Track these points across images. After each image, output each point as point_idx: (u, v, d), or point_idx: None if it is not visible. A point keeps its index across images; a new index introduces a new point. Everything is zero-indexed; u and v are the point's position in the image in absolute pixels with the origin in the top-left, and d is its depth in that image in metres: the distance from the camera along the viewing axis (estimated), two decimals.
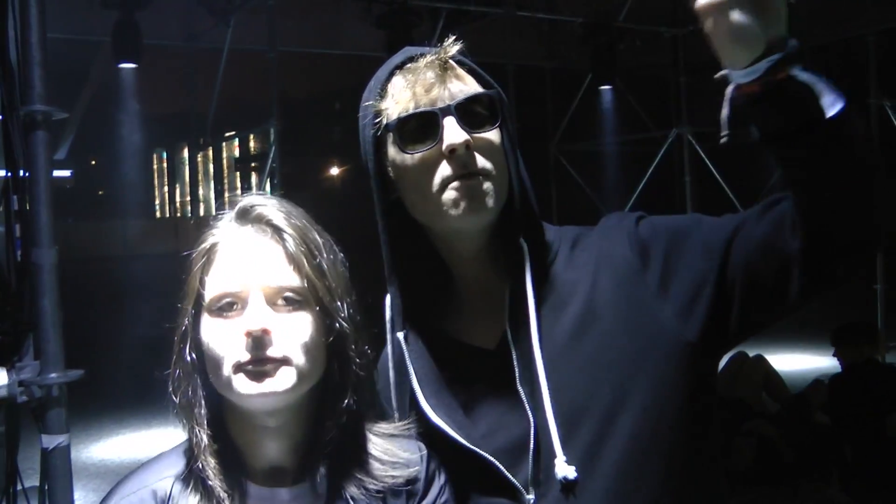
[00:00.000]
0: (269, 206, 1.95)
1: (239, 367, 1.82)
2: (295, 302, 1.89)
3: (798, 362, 13.48)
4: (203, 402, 1.91)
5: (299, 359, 1.86)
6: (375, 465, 2.00)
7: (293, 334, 1.86)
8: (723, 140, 1.81)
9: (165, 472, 1.93)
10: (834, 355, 8.65)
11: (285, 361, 1.84)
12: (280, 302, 1.88)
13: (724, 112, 1.76)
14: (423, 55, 2.05)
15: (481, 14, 13.83)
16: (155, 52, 14.68)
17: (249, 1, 12.94)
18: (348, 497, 1.94)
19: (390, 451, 2.03)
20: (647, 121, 17.79)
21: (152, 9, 12.19)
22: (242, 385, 1.82)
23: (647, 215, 2.13)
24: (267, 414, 1.88)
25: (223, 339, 1.85)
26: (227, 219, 1.95)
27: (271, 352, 1.83)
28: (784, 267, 1.85)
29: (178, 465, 1.94)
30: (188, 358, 1.91)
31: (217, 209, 2.01)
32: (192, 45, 14.63)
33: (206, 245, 1.92)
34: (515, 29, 15.04)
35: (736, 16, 1.61)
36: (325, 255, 1.95)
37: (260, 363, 1.82)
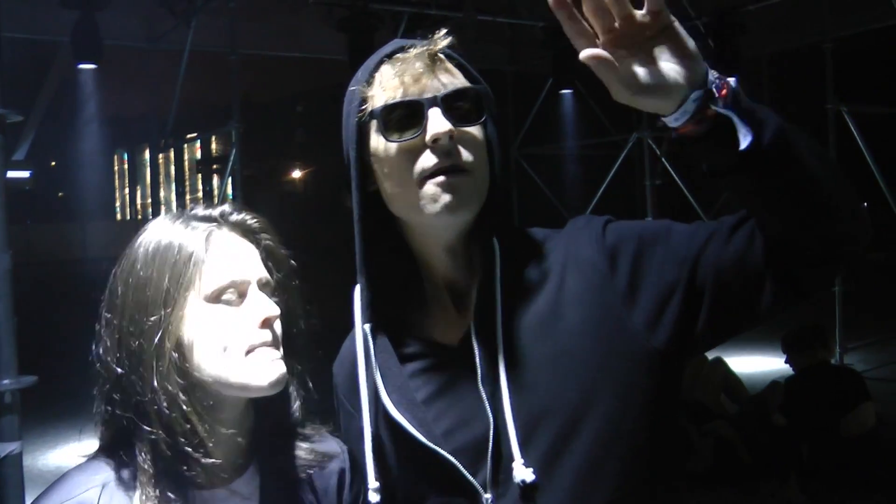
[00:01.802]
0: (240, 212, 2.08)
1: (250, 351, 1.93)
2: (274, 294, 2.04)
3: (757, 364, 13.53)
4: (186, 394, 1.92)
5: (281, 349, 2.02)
6: (304, 459, 2.12)
7: (279, 326, 2.01)
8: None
9: (90, 483, 1.93)
10: (786, 362, 8.71)
11: (279, 347, 2.00)
12: (266, 293, 2.01)
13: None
14: (413, 46, 2.04)
15: (442, 18, 13.80)
16: (115, 53, 14.57)
17: (210, 2, 12.89)
18: (280, 487, 2.06)
19: (316, 447, 2.16)
20: (608, 125, 17.83)
21: (112, 9, 12.13)
22: (256, 370, 1.94)
23: (615, 219, 2.13)
24: (234, 405, 2.00)
25: (231, 323, 1.94)
26: (205, 224, 2.02)
27: (276, 337, 1.98)
28: (754, 280, 1.88)
29: (103, 473, 1.95)
30: (173, 354, 1.91)
31: (151, 226, 2.06)
32: (153, 46, 14.56)
33: (198, 242, 1.97)
34: (476, 33, 15.04)
35: (638, 67, 1.66)
36: (286, 259, 2.12)
37: (273, 346, 1.96)
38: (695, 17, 14.44)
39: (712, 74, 1.70)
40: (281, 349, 1.98)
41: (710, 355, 9.50)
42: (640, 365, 1.98)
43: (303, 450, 2.14)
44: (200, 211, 2.05)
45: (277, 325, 1.99)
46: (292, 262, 2.13)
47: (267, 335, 1.95)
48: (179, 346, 1.92)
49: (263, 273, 2.01)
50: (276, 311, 1.97)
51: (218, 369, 1.93)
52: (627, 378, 1.97)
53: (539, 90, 16.96)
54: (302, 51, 15.92)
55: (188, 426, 1.90)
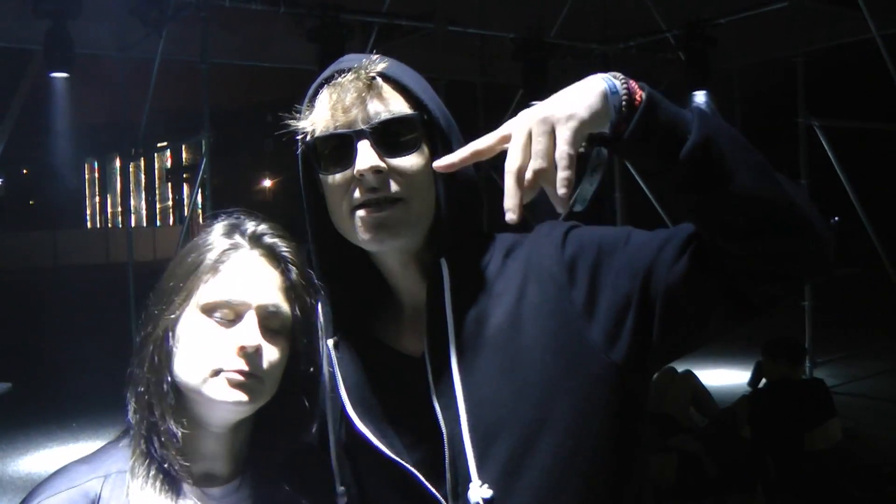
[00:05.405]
0: (279, 236, 2.09)
1: (218, 373, 1.93)
2: (278, 332, 2.03)
3: (726, 377, 13.54)
4: (172, 393, 1.98)
5: (270, 381, 2.00)
6: (300, 476, 2.11)
7: (273, 358, 1.99)
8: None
9: (93, 473, 1.97)
10: (757, 363, 8.73)
11: (260, 380, 1.97)
12: (266, 325, 2.00)
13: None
14: (351, 70, 2.01)
15: (413, 29, 13.82)
16: (87, 62, 14.54)
17: (182, 12, 12.85)
18: (273, 498, 2.07)
19: (314, 464, 2.13)
20: None
21: (84, 18, 12.05)
22: (217, 389, 1.93)
23: (579, 225, 2.13)
24: (220, 418, 2.00)
25: (210, 341, 1.96)
26: (236, 237, 2.05)
27: (253, 368, 1.95)
28: (704, 294, 1.88)
29: (106, 465, 1.99)
30: (170, 346, 1.98)
31: (207, 222, 2.12)
32: (125, 54, 14.52)
33: (215, 252, 2.02)
34: (447, 44, 15.04)
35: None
36: (313, 296, 2.12)
37: (242, 375, 1.93)
38: (665, 30, 14.51)
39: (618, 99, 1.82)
40: (257, 379, 1.96)
41: (680, 368, 9.50)
42: (601, 379, 1.96)
43: (302, 468, 2.14)
44: (246, 225, 2.08)
45: (266, 356, 1.98)
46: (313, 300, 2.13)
47: (240, 364, 1.93)
48: (165, 344, 1.98)
49: (270, 301, 2.00)
50: (256, 342, 1.95)
51: (185, 377, 1.96)
52: (587, 392, 1.96)
53: (509, 101, 16.97)
54: (273, 61, 15.91)
55: (165, 425, 1.96)
